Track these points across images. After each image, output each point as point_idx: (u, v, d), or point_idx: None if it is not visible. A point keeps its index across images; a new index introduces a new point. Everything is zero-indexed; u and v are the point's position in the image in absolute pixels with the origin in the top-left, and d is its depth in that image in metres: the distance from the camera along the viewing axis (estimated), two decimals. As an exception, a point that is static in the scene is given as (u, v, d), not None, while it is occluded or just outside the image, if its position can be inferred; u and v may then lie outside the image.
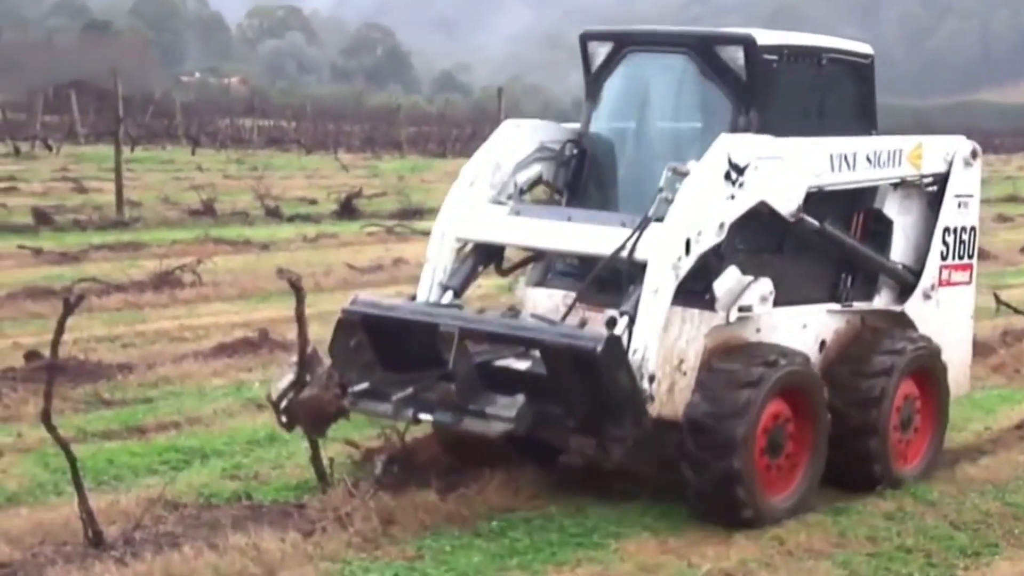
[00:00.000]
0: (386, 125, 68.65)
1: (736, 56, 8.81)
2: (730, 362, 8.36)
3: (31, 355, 12.25)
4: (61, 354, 11.64)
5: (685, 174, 8.30)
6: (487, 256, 9.19)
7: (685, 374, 8.34)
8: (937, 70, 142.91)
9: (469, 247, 9.11)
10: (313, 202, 30.70)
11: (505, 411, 7.65)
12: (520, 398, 7.68)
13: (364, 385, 8.20)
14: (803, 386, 8.57)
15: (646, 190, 8.62)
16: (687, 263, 8.06)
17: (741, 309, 8.47)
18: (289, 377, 8.44)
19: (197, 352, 13.22)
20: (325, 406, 8.29)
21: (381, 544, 7.89)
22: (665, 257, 8.01)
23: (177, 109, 65.12)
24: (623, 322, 7.98)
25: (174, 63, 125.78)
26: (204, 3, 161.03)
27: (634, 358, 7.79)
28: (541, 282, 9.38)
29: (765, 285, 8.54)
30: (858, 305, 9.52)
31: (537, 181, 9.53)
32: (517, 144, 9.39)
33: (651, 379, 7.88)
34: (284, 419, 8.49)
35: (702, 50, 8.93)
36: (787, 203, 8.67)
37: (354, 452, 9.22)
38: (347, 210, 28.22)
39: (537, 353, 7.90)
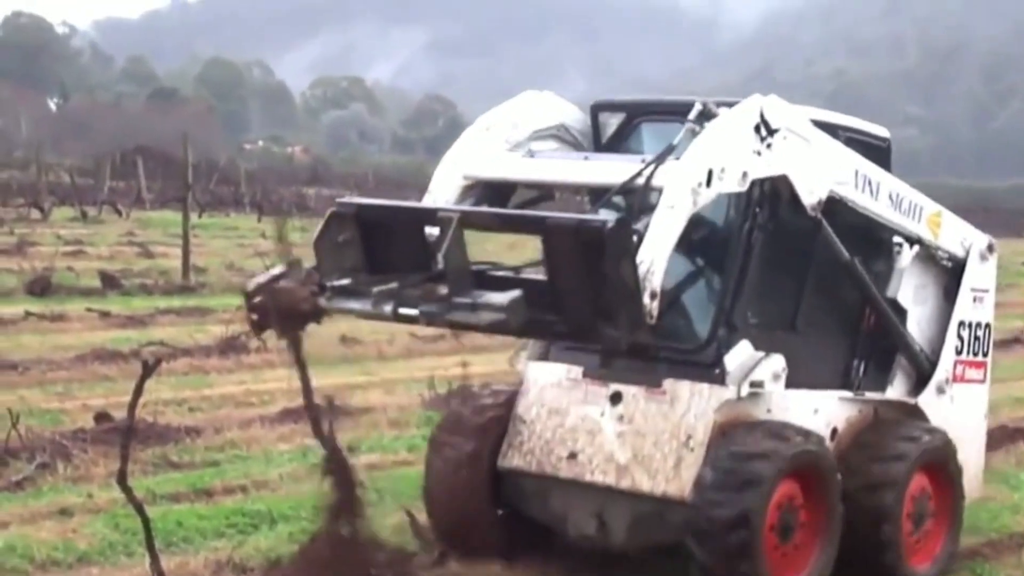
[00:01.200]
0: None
1: None
2: (743, 435, 8.04)
3: (101, 416, 12.47)
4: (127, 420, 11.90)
5: (715, 114, 8.05)
6: (493, 196, 8.66)
7: (692, 450, 8.06)
8: (1000, 150, 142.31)
9: (476, 186, 8.63)
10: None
11: (497, 300, 6.95)
12: (516, 291, 7.02)
13: (345, 281, 7.52)
14: (817, 467, 8.20)
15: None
16: (706, 194, 7.58)
17: (752, 384, 8.17)
18: (269, 273, 7.81)
19: (263, 417, 13.37)
20: (299, 302, 7.52)
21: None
22: (686, 179, 7.53)
23: (242, 176, 65.91)
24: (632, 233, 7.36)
25: (238, 131, 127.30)
26: (269, 72, 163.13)
27: (639, 270, 7.16)
28: (544, 356, 8.99)
29: (777, 362, 8.26)
30: (871, 394, 9.16)
31: None
32: (537, 112, 8.99)
33: (653, 296, 7.18)
34: (255, 316, 7.75)
35: (712, 120, 8.39)
36: (809, 192, 8.28)
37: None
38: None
39: (530, 272, 7.49)
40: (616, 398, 7.90)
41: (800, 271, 8.73)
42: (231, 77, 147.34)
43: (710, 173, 7.57)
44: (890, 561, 8.59)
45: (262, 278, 7.77)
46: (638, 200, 7.76)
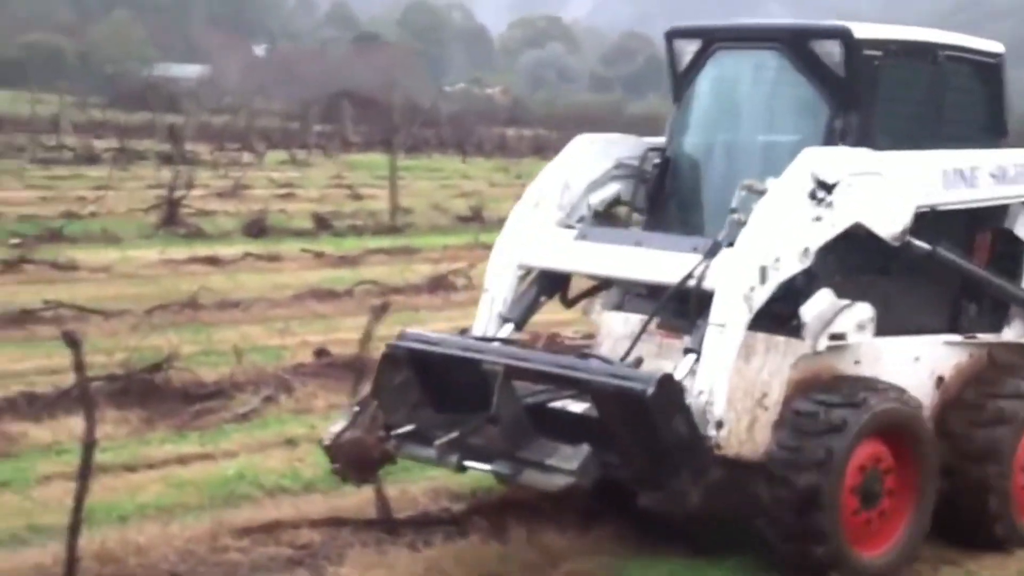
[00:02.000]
0: (647, 133, 68.73)
1: (833, 51, 7.86)
2: (811, 403, 7.35)
3: (319, 352, 12.91)
4: (345, 352, 12.34)
5: (762, 192, 7.39)
6: (551, 285, 8.22)
7: (767, 409, 7.42)
8: None
9: (531, 275, 8.19)
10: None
11: (567, 463, 6.66)
12: (585, 448, 6.66)
13: (409, 427, 7.33)
14: (903, 425, 7.57)
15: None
16: (762, 294, 7.04)
17: (832, 337, 7.46)
18: (342, 422, 7.74)
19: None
20: (369, 450, 7.53)
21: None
22: (735, 287, 7.00)
23: (443, 119, 66.62)
24: (689, 360, 7.00)
25: (439, 74, 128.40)
26: (469, 15, 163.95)
27: (698, 401, 6.79)
28: (619, 306, 8.43)
29: (863, 311, 7.56)
30: (983, 337, 8.47)
31: (615, 202, 8.58)
32: (590, 162, 8.46)
33: (719, 425, 6.84)
34: (336, 466, 7.72)
35: (795, 45, 7.99)
36: (890, 225, 7.64)
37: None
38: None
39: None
40: (690, 351, 7.24)
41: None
42: (431, 20, 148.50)
43: (763, 270, 7.04)
44: (1000, 533, 8.15)
45: (337, 427, 7.71)
46: (694, 305, 7.22)
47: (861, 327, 7.57)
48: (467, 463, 6.96)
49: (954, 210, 8.16)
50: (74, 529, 6.90)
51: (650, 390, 6.42)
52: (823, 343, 7.46)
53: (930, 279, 8.26)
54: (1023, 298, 8.65)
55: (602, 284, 8.46)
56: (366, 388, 7.85)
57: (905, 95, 8.09)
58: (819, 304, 7.48)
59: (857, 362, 7.72)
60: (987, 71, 8.53)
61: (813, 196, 7.23)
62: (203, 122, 58.55)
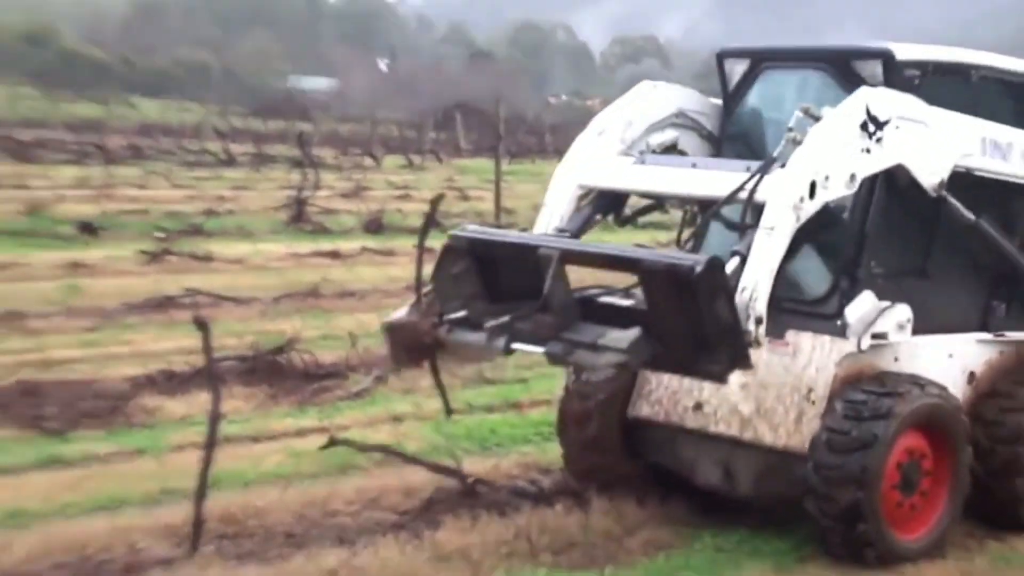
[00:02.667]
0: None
1: (875, 71, 7.71)
2: (859, 392, 7.28)
3: (426, 338, 12.98)
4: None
5: (818, 117, 7.18)
6: (607, 204, 7.95)
7: (814, 404, 7.40)
8: None
9: (590, 194, 7.91)
10: (666, 211, 30.88)
11: (617, 343, 6.50)
12: (636, 329, 6.51)
13: (461, 313, 7.07)
14: (941, 420, 7.46)
15: None
16: (810, 207, 6.82)
17: (875, 336, 7.43)
18: (404, 310, 7.52)
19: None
20: (421, 335, 7.25)
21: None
22: (786, 196, 6.79)
23: (546, 128, 66.60)
24: (734, 262, 6.73)
25: (544, 87, 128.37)
26: (572, 34, 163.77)
27: (741, 296, 6.56)
28: None
29: (902, 312, 7.51)
30: (1013, 335, 8.30)
31: (672, 147, 8.28)
32: (652, 105, 8.20)
33: (758, 321, 6.57)
34: (390, 350, 7.64)
35: (839, 65, 7.86)
36: (930, 174, 7.47)
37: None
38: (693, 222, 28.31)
39: (640, 295, 6.81)
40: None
41: (928, 216, 7.87)
42: (539, 39, 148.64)
43: (813, 184, 6.85)
44: (1022, 489, 7.94)
45: (398, 314, 7.53)
46: (743, 213, 7.06)
47: (901, 327, 7.53)
48: (515, 345, 6.78)
49: (995, 192, 8.00)
50: (201, 493, 7.02)
51: (699, 267, 6.27)
52: (866, 342, 7.42)
53: (963, 281, 8.21)
54: None
55: (656, 204, 8.31)
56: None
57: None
58: (862, 306, 7.45)
59: (896, 359, 7.66)
60: (1020, 90, 8.38)
61: (864, 127, 7.08)
62: (330, 130, 59.09)
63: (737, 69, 8.39)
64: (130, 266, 18.28)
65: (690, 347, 6.47)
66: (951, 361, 7.98)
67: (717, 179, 7.27)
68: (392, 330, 7.39)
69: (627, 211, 8.16)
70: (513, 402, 11.04)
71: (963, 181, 7.71)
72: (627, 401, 8.22)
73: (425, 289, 7.56)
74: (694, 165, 7.70)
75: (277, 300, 15.41)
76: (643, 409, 8.17)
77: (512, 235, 7.46)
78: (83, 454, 9.08)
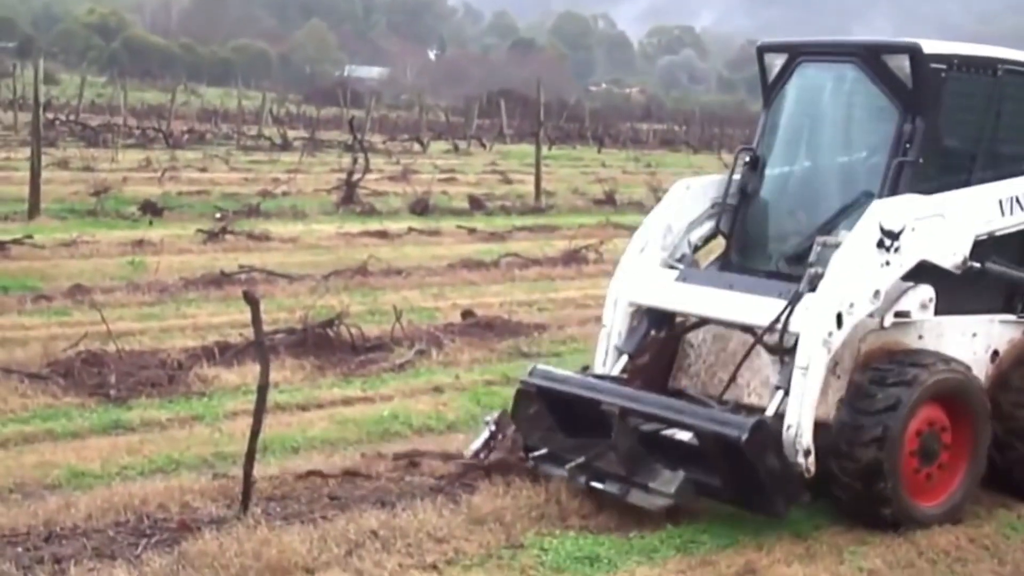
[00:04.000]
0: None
1: (902, 64, 7.78)
2: (885, 363, 7.42)
3: (466, 313, 13.07)
4: (489, 314, 12.46)
5: (835, 246, 7.38)
6: (659, 320, 8.26)
7: (839, 377, 7.45)
8: None
9: (641, 311, 8.23)
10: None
11: (666, 487, 7.14)
12: (680, 473, 7.13)
13: (543, 451, 7.77)
14: (962, 394, 7.51)
15: (820, 195, 8.07)
16: (839, 337, 7.13)
17: (898, 315, 7.49)
18: (483, 436, 8.17)
19: (598, 316, 13.61)
20: (511, 469, 7.87)
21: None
22: (815, 333, 7.07)
23: (586, 114, 66.50)
24: (778, 396, 7.14)
25: (584, 75, 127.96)
26: (612, 24, 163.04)
27: (787, 434, 6.94)
28: None
29: (925, 291, 7.55)
30: None
31: (712, 236, 8.59)
32: (688, 206, 8.46)
33: (807, 453, 6.94)
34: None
35: (870, 58, 7.91)
36: (952, 257, 7.66)
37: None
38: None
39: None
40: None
41: None
42: (580, 28, 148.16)
43: (839, 316, 7.09)
44: None
45: (478, 443, 8.13)
46: (780, 341, 7.28)
47: (923, 306, 7.58)
48: (593, 484, 7.39)
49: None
50: (250, 457, 7.10)
51: (744, 436, 6.75)
52: (889, 319, 7.48)
53: (988, 265, 8.12)
54: None
55: (702, 321, 8.34)
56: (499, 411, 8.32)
57: (967, 104, 7.96)
58: None
59: (920, 337, 7.72)
60: None
61: (881, 245, 7.26)
62: (381, 116, 59.22)
63: (776, 62, 8.49)
64: (190, 244, 18.41)
65: (749, 491, 7.02)
66: (975, 340, 8.02)
67: (752, 305, 7.57)
68: (479, 467, 7.96)
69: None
70: (548, 375, 11.05)
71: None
72: (667, 369, 8.39)
73: (491, 417, 8.26)
74: (731, 286, 7.88)
75: (327, 277, 15.48)
76: (682, 381, 8.34)
77: (575, 381, 7.88)
78: (142, 420, 9.19)
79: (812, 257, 7.47)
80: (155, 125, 44.36)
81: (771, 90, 8.53)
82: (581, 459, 7.43)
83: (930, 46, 7.80)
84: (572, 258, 18.06)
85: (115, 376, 10.02)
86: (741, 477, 6.95)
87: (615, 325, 8.20)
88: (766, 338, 7.42)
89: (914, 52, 7.75)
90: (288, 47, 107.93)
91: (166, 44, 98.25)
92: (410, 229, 21.08)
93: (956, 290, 7.78)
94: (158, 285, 14.62)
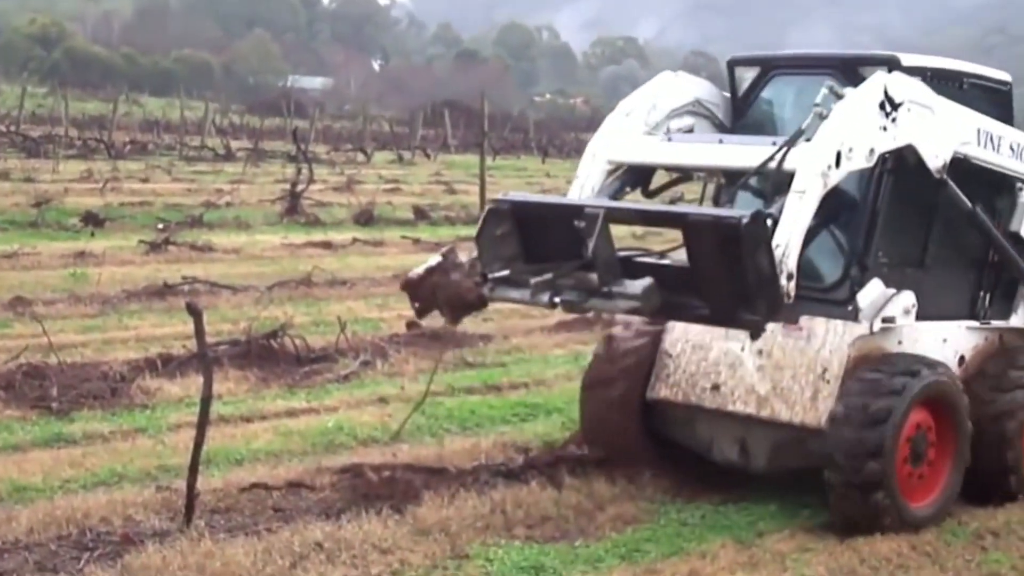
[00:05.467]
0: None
1: None
2: (874, 372, 7.52)
3: (411, 324, 13.03)
4: (434, 325, 12.45)
5: (841, 96, 7.28)
6: (636, 178, 8.02)
7: (828, 382, 7.65)
8: None
9: (619, 170, 7.92)
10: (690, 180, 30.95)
11: (631, 289, 6.62)
12: (648, 279, 6.64)
13: (504, 272, 7.12)
14: (946, 396, 7.69)
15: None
16: (836, 175, 6.96)
17: (884, 320, 7.70)
18: (428, 263, 7.60)
19: (542, 327, 13.75)
20: (464, 292, 7.32)
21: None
22: (815, 164, 6.91)
23: (530, 125, 66.62)
24: (767, 223, 6.76)
25: (529, 86, 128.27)
26: (555, 35, 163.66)
27: (776, 252, 6.61)
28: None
29: (908, 298, 7.79)
30: (996, 323, 8.59)
31: (689, 132, 8.26)
32: (674, 91, 8.24)
33: (790, 277, 6.64)
34: (417, 304, 7.68)
35: (846, 71, 7.89)
36: (935, 157, 7.63)
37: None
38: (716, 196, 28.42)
39: (677, 254, 6.94)
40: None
41: (928, 212, 8.07)
42: (524, 39, 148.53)
43: (839, 155, 6.99)
44: (1014, 484, 8.10)
45: (420, 270, 7.59)
46: (771, 182, 7.17)
47: (907, 312, 7.80)
48: (556, 299, 6.82)
49: (983, 198, 8.19)
50: (193, 468, 7.06)
51: (745, 219, 6.39)
52: (877, 325, 7.67)
53: (954, 273, 8.41)
54: None
55: (683, 177, 8.32)
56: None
57: None
58: (872, 292, 7.70)
59: (900, 342, 7.89)
60: (999, 96, 8.64)
61: (882, 107, 7.25)
62: (325, 126, 59.03)
63: (746, 76, 8.48)
64: (132, 256, 18.26)
65: (729, 299, 6.61)
66: (945, 345, 8.20)
67: (745, 152, 7.41)
68: (429, 286, 7.44)
69: (653, 185, 8.24)
70: (493, 385, 11.06)
71: (958, 170, 7.84)
72: (645, 386, 8.36)
73: (444, 248, 7.76)
74: (720, 141, 7.84)
75: (271, 288, 15.40)
76: (662, 391, 8.31)
77: (555, 198, 7.47)
78: (84, 433, 9.09)
79: (818, 99, 7.30)
80: (97, 136, 43.89)
81: (742, 104, 8.50)
82: (547, 275, 6.84)
83: (908, 59, 7.89)
84: None
85: (57, 389, 9.91)
86: (729, 275, 6.51)
87: (589, 179, 7.87)
88: (753, 182, 7.33)
89: (893, 64, 7.80)
90: (231, 57, 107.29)
91: (108, 54, 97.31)
92: (355, 240, 21.02)
93: (928, 295, 7.95)
94: (100, 297, 14.50)
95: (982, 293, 8.60)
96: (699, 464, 8.31)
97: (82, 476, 8.11)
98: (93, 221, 21.19)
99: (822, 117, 7.19)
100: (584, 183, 7.86)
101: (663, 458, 8.40)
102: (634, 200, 8.09)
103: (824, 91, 7.34)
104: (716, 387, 8.10)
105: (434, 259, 7.61)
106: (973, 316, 8.53)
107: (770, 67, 8.45)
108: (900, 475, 7.42)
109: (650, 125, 8.06)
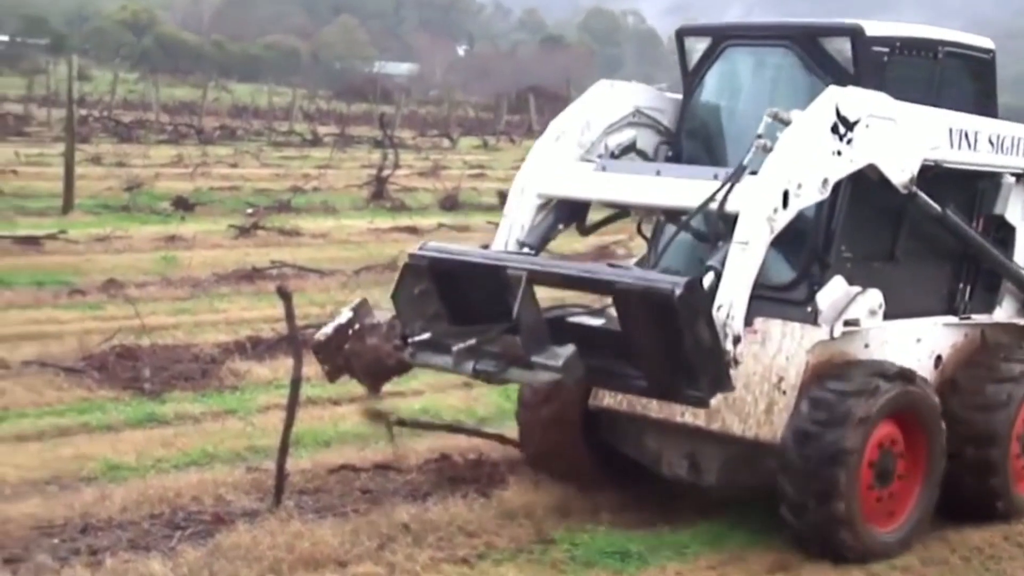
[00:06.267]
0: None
1: (843, 48, 7.06)
2: (826, 391, 6.64)
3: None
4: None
5: (787, 122, 6.56)
6: (569, 214, 7.30)
7: (784, 393, 6.77)
8: None
9: (551, 203, 7.25)
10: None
11: (552, 360, 5.99)
12: (570, 347, 6.00)
13: (426, 336, 6.50)
14: (914, 407, 6.88)
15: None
16: (783, 217, 6.27)
17: (847, 323, 6.82)
18: (338, 322, 7.02)
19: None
20: (384, 357, 6.71)
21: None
22: (759, 208, 6.21)
23: (615, 110, 66.22)
24: (709, 277, 6.16)
25: (613, 70, 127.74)
26: (641, 19, 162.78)
27: (718, 315, 5.99)
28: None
29: (874, 297, 6.91)
30: (977, 318, 7.78)
31: (631, 147, 7.63)
32: (608, 104, 7.54)
33: (736, 341, 6.02)
34: (327, 368, 7.10)
35: (805, 42, 7.16)
36: (900, 171, 6.89)
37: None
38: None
39: (612, 312, 6.24)
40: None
41: (897, 201, 7.18)
42: (609, 24, 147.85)
43: (786, 195, 6.27)
44: (997, 485, 7.36)
45: (329, 329, 7.03)
46: (713, 225, 6.52)
47: (872, 313, 6.96)
48: (479, 366, 6.21)
49: (957, 186, 7.50)
50: (283, 450, 7.15)
51: (678, 290, 5.71)
52: (839, 329, 6.84)
53: (929, 266, 7.66)
54: (1017, 273, 7.93)
55: (620, 213, 7.63)
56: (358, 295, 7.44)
57: (908, 88, 7.18)
58: (834, 292, 6.90)
59: (867, 346, 7.11)
60: (980, 65, 7.82)
61: (835, 130, 6.52)
62: (411, 112, 59.30)
63: (697, 47, 7.71)
64: (222, 240, 18.50)
65: (668, 372, 5.97)
66: (919, 345, 7.44)
67: (683, 188, 6.71)
68: (338, 351, 6.78)
69: (590, 220, 7.58)
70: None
71: (930, 171, 7.17)
72: (589, 390, 7.50)
73: (354, 303, 7.14)
74: (658, 173, 7.07)
75: (357, 272, 15.53)
76: (605, 399, 7.49)
77: (475, 253, 6.79)
78: (176, 414, 9.26)
79: (760, 129, 6.61)
80: (187, 121, 44.56)
81: (692, 79, 7.76)
82: (472, 341, 6.18)
83: (873, 28, 7.17)
84: (601, 253, 18.04)
85: (149, 370, 10.10)
86: (665, 348, 5.87)
87: (519, 217, 7.16)
88: (695, 223, 6.66)
89: (855, 34, 7.08)
90: (318, 44, 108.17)
91: (197, 41, 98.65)
92: (440, 225, 21.12)
93: (899, 291, 7.24)
94: (191, 280, 14.73)
95: (961, 285, 7.82)
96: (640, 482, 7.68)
97: (174, 456, 8.26)
98: (183, 205, 21.51)
99: (766, 150, 6.49)
100: (513, 222, 7.17)
101: (615, 472, 7.71)
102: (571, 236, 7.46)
103: (766, 120, 6.65)
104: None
105: (344, 315, 7.00)
106: (951, 311, 7.75)
107: (722, 37, 7.66)
108: (862, 489, 6.68)
109: (584, 146, 7.39)
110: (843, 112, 6.55)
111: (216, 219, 20.46)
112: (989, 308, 7.94)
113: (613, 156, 7.46)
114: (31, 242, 16.53)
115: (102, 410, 9.26)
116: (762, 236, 6.23)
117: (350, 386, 10.15)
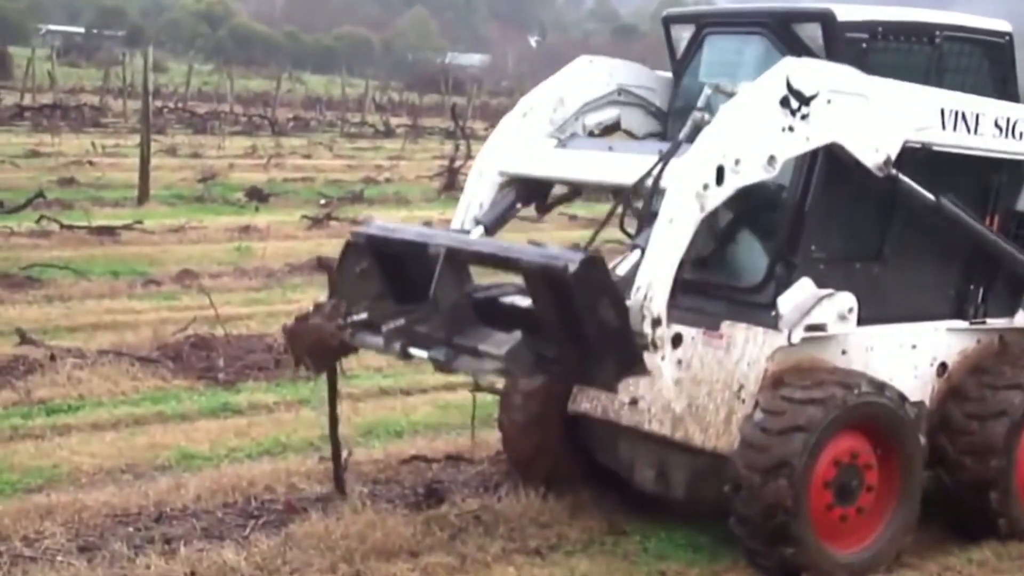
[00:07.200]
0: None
1: (814, 35, 6.62)
2: (777, 399, 6.20)
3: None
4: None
5: (730, 94, 6.20)
6: (529, 193, 6.86)
7: (743, 402, 6.36)
8: None
9: (511, 182, 6.86)
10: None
11: (497, 348, 5.60)
12: (517, 334, 5.59)
13: (363, 315, 6.20)
14: (881, 419, 6.35)
15: None
16: (716, 195, 5.79)
17: (810, 328, 6.36)
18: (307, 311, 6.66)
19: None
20: (327, 338, 6.34)
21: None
22: (688, 183, 5.76)
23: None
24: (634, 256, 5.77)
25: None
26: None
27: (636, 296, 5.58)
28: None
29: (844, 300, 6.42)
30: (994, 322, 7.18)
31: (614, 127, 7.27)
32: (588, 82, 7.13)
33: (655, 323, 5.56)
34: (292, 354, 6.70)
35: (778, 29, 6.74)
36: (873, 152, 6.33)
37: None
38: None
39: None
40: (677, 340, 6.04)
41: (882, 193, 6.64)
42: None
43: (720, 169, 5.79)
44: (998, 501, 6.87)
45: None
46: (644, 203, 6.03)
47: (843, 317, 6.46)
48: (411, 350, 5.90)
49: (962, 176, 6.93)
50: (334, 440, 7.24)
51: (572, 266, 5.32)
52: (798, 334, 6.38)
53: (930, 264, 7.09)
54: None
55: (575, 191, 7.23)
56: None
57: (899, 74, 6.62)
58: (798, 294, 6.45)
59: (844, 352, 6.60)
60: (993, 51, 7.16)
61: (786, 104, 6.02)
62: (483, 103, 59.36)
63: (683, 35, 7.36)
64: (295, 230, 18.66)
65: (578, 354, 5.62)
66: (915, 352, 6.93)
67: (629, 164, 6.25)
68: (294, 333, 6.41)
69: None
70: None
71: (918, 154, 6.64)
72: (569, 393, 7.25)
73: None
74: (610, 148, 6.71)
75: (430, 263, 15.55)
76: (583, 404, 7.19)
77: (409, 230, 6.45)
78: (250, 403, 9.35)
79: (700, 102, 6.33)
80: (260, 112, 44.98)
81: (680, 64, 7.42)
82: (400, 321, 5.92)
83: (845, 12, 6.64)
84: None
85: (223, 360, 10.20)
86: (569, 328, 5.53)
87: (477, 195, 6.81)
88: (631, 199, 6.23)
89: (826, 20, 6.61)
90: (390, 34, 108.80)
91: (270, 32, 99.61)
92: (512, 215, 21.09)
93: (890, 293, 6.81)
94: (264, 270, 14.86)
95: (972, 287, 7.23)
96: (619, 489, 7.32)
97: (247, 445, 8.34)
98: (257, 196, 21.72)
99: (704, 123, 6.15)
100: (471, 199, 6.82)
101: (598, 478, 7.39)
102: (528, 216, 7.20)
103: (707, 91, 6.33)
104: (634, 401, 6.86)
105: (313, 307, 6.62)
106: (959, 315, 7.18)
107: (704, 24, 7.29)
108: (817, 506, 6.20)
109: (556, 124, 6.98)
110: (796, 85, 6.06)
111: (289, 210, 20.63)
112: (1010, 312, 7.36)
113: (592, 135, 7.12)
114: (107, 232, 16.77)
115: (176, 399, 9.37)
116: (690, 213, 5.76)
117: (422, 377, 10.27)
